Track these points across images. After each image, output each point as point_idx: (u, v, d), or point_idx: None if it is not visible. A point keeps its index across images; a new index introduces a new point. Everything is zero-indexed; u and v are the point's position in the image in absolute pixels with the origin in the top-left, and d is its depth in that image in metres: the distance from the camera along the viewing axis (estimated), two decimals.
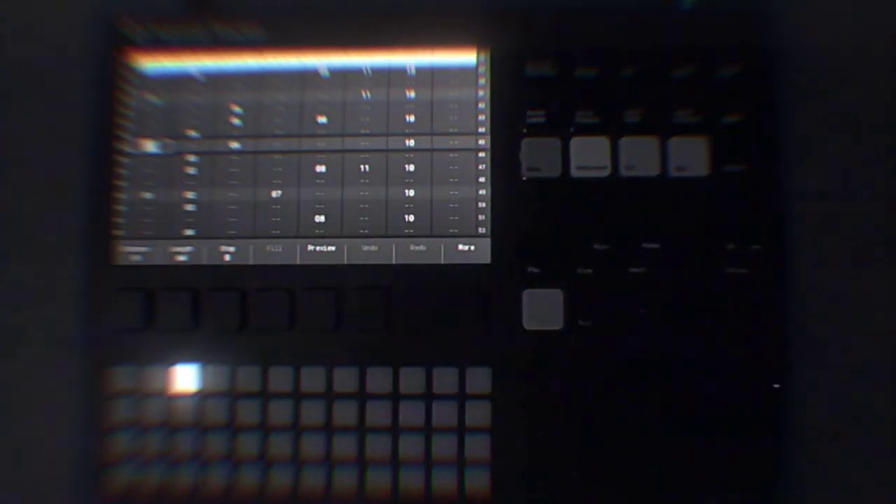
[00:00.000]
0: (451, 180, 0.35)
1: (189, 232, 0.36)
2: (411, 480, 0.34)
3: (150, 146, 0.36)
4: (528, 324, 0.34)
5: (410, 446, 0.34)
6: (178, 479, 0.34)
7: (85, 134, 0.36)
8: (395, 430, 0.34)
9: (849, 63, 0.37)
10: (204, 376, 0.35)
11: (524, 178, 0.35)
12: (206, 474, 0.34)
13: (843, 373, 0.36)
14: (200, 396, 0.35)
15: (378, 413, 0.34)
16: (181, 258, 0.35)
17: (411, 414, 0.34)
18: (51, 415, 0.37)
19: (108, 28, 0.37)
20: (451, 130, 0.35)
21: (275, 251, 0.35)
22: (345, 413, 0.34)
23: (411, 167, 0.35)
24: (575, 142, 0.35)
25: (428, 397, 0.34)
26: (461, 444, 0.34)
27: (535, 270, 0.34)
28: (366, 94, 0.36)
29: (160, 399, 0.35)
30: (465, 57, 0.36)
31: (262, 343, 0.35)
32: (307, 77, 0.36)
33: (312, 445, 0.34)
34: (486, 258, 0.35)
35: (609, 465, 0.34)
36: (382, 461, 0.34)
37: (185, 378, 0.35)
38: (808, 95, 0.37)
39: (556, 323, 0.34)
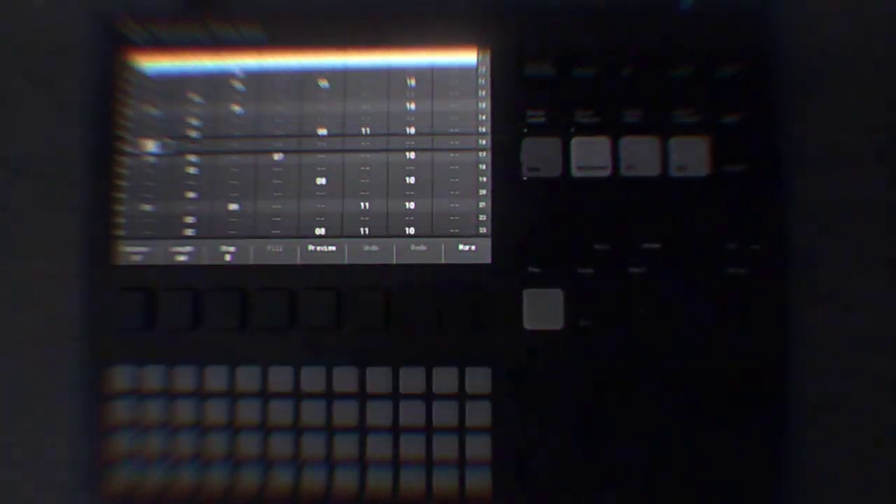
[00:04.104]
0: (452, 181, 0.35)
1: (189, 232, 0.36)
2: (412, 480, 0.34)
3: (151, 146, 0.36)
4: (529, 324, 0.34)
5: (411, 446, 0.34)
6: (178, 480, 0.34)
7: (85, 134, 0.36)
8: (395, 430, 0.34)
9: (848, 63, 0.37)
10: (204, 376, 0.35)
11: (524, 178, 0.35)
12: (207, 474, 0.34)
13: (843, 372, 0.36)
14: (201, 396, 0.35)
15: (378, 413, 0.34)
16: (182, 258, 0.35)
17: (411, 414, 0.34)
18: (51, 415, 0.37)
19: (107, 28, 0.37)
20: (451, 130, 0.35)
21: (275, 251, 0.35)
22: (345, 413, 0.34)
23: (412, 168, 0.35)
24: (575, 142, 0.35)
25: (428, 397, 0.34)
26: (461, 444, 0.34)
27: (536, 270, 0.34)
28: (366, 101, 0.36)
29: (160, 399, 0.35)
30: (466, 57, 0.36)
31: (263, 343, 0.35)
32: (307, 78, 0.36)
33: (313, 445, 0.34)
34: (486, 258, 0.35)
35: (609, 465, 0.34)
36: (383, 461, 0.34)
37: (186, 378, 0.35)
38: (808, 95, 0.37)
39: (556, 323, 0.34)
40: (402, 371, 0.34)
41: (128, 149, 0.36)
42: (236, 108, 0.36)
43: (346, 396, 0.34)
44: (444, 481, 0.34)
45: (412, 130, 0.36)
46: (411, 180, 0.35)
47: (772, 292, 0.34)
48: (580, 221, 0.35)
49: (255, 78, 0.36)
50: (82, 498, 0.35)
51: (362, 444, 0.34)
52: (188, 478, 0.34)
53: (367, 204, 0.35)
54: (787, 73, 0.36)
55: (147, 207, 0.36)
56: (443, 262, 0.35)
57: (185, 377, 0.35)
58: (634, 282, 0.34)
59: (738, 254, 0.34)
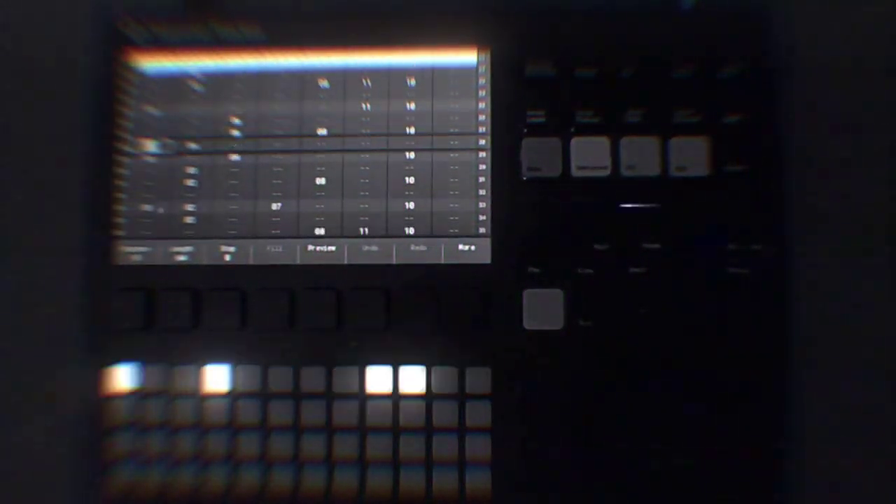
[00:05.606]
0: (452, 181, 0.35)
1: (189, 232, 0.36)
2: (412, 480, 0.34)
3: (151, 146, 0.36)
4: (529, 324, 0.34)
5: (411, 446, 0.34)
6: (178, 480, 0.34)
7: (85, 134, 0.36)
8: (395, 430, 0.34)
9: (849, 63, 0.37)
10: (204, 376, 0.35)
11: (524, 178, 0.35)
12: (207, 474, 0.34)
13: (843, 373, 0.36)
14: (201, 396, 0.35)
15: (378, 413, 0.34)
16: (181, 258, 0.35)
17: (411, 414, 0.34)
18: (51, 415, 0.37)
19: (108, 28, 0.37)
20: (451, 130, 0.35)
21: (275, 251, 0.35)
22: (345, 413, 0.34)
23: (411, 168, 0.35)
24: (575, 142, 0.35)
25: (428, 397, 0.34)
26: (461, 445, 0.34)
27: (536, 270, 0.34)
28: (366, 101, 0.36)
29: (160, 399, 0.35)
30: (466, 57, 0.36)
31: (262, 343, 0.35)
32: (307, 78, 0.36)
33: (312, 445, 0.34)
34: (486, 258, 0.35)
35: (608, 466, 0.34)
36: (383, 461, 0.34)
37: (186, 378, 0.35)
38: (809, 95, 0.37)
39: (556, 323, 0.34)
40: (401, 371, 0.34)
41: (128, 149, 0.36)
42: (236, 109, 0.36)
43: (345, 396, 0.34)
44: (444, 481, 0.34)
45: (412, 130, 0.36)
46: (411, 180, 0.35)
47: (772, 292, 0.34)
48: (580, 221, 0.35)
49: (255, 78, 0.36)
50: (82, 498, 0.35)
51: (362, 444, 0.34)
52: (188, 478, 0.34)
53: (366, 204, 0.35)
54: (788, 74, 0.36)
55: (147, 207, 0.36)
56: (443, 262, 0.35)
57: (185, 377, 0.35)
58: (634, 282, 0.34)
59: (739, 254, 0.34)
